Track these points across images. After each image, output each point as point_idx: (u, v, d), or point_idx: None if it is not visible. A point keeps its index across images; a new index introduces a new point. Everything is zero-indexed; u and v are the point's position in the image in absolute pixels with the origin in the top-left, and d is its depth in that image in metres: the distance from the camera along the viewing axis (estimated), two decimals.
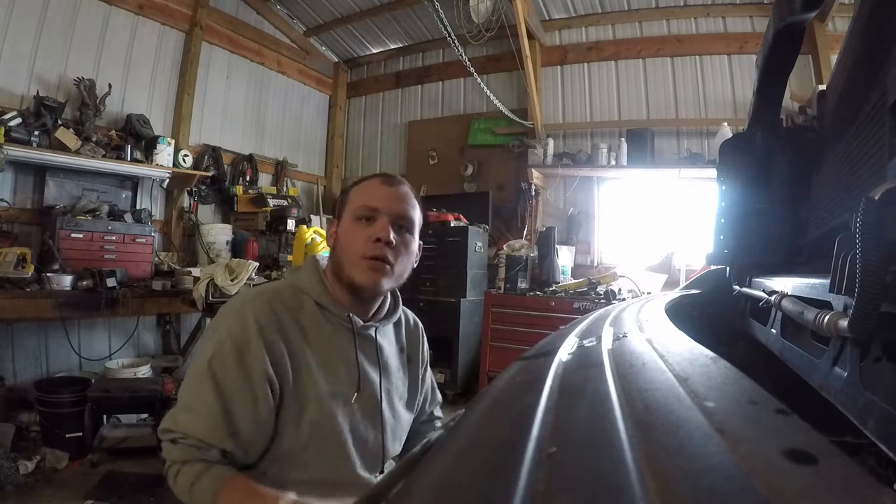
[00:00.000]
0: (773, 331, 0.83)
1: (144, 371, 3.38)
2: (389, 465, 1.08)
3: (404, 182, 1.06)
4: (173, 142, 3.85)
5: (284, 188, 4.95)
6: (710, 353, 0.34)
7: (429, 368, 1.27)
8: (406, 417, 1.15)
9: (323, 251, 2.99)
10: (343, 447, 0.97)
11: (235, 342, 0.90)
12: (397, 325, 1.16)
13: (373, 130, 5.71)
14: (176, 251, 4.02)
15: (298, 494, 0.93)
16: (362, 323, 1.04)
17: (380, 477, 1.04)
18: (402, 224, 1.01)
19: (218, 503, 0.83)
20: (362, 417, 1.01)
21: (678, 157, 4.03)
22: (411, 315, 1.23)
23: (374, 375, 1.05)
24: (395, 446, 1.09)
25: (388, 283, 1.01)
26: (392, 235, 0.98)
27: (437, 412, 1.31)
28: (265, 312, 0.94)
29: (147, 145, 3.70)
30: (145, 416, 3.00)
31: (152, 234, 3.61)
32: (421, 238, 1.08)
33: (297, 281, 1.03)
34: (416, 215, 1.05)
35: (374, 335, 1.06)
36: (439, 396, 1.31)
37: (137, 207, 3.76)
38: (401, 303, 1.15)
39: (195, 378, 0.90)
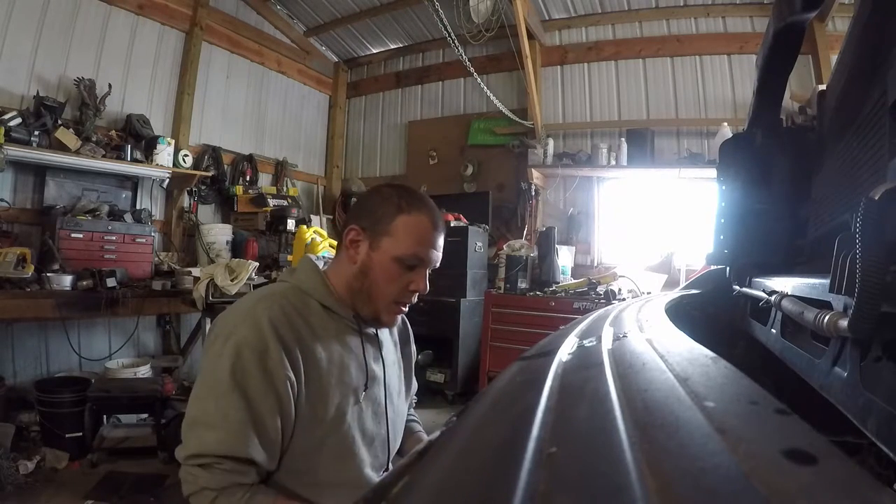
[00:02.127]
0: (773, 331, 0.83)
1: (144, 371, 3.38)
2: (393, 463, 1.09)
3: (444, 221, 1.05)
4: (173, 142, 3.85)
5: (284, 188, 4.95)
6: (710, 353, 0.34)
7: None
8: (404, 411, 1.18)
9: (323, 251, 2.99)
10: (352, 446, 0.98)
11: (253, 348, 0.87)
12: None
13: (373, 130, 5.71)
14: (176, 251, 4.02)
15: (310, 496, 0.93)
16: (365, 322, 1.05)
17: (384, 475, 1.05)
18: (431, 268, 1.03)
19: None
20: (369, 415, 1.02)
21: (678, 157, 4.03)
22: None
23: (378, 373, 1.06)
24: (397, 442, 1.11)
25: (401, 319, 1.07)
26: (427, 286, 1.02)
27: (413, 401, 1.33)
28: (277, 314, 0.92)
29: (147, 145, 3.70)
30: (145, 416, 3.00)
31: (152, 234, 3.61)
32: None
33: (298, 283, 1.02)
34: None
35: (376, 333, 1.08)
36: (415, 384, 1.32)
37: (137, 207, 3.76)
38: None
39: (216, 391, 0.86)
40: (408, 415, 1.28)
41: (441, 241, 1.02)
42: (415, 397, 1.34)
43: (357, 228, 1.00)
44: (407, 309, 1.05)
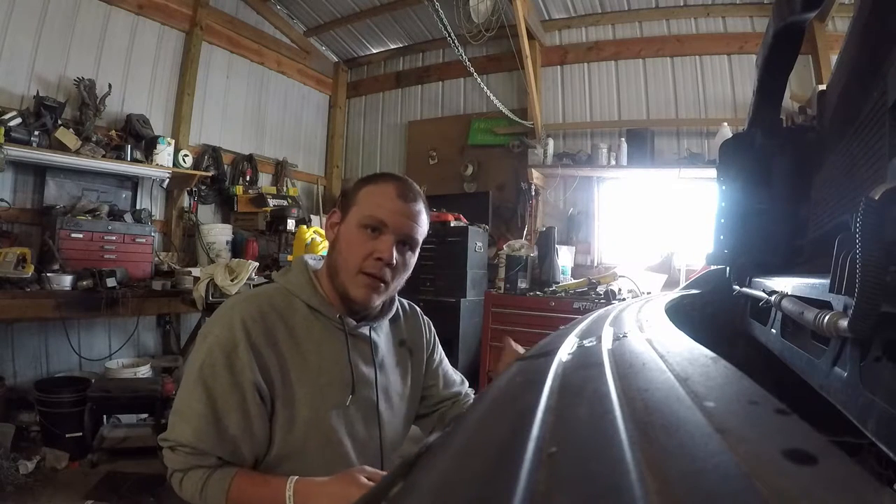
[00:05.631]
0: (773, 331, 0.83)
1: (144, 371, 3.38)
2: (389, 465, 1.08)
3: (419, 196, 1.01)
4: (173, 142, 3.85)
5: (284, 188, 4.95)
6: (710, 353, 0.34)
7: (439, 351, 1.23)
8: (407, 414, 1.14)
9: (323, 251, 2.99)
10: (340, 449, 0.97)
11: (223, 347, 0.90)
12: (394, 318, 1.15)
13: (373, 130, 5.71)
14: (176, 251, 4.02)
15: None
16: (355, 323, 1.02)
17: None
18: (407, 243, 0.99)
19: (230, 498, 0.86)
20: (359, 418, 1.01)
21: (678, 157, 4.03)
22: (406, 303, 1.21)
23: (369, 375, 1.04)
24: (394, 445, 1.09)
25: (380, 299, 1.01)
26: (395, 256, 0.95)
27: (466, 388, 1.26)
28: (252, 316, 0.93)
29: (147, 145, 3.70)
30: (145, 416, 3.00)
31: (152, 234, 3.61)
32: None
33: (286, 283, 1.02)
34: (423, 233, 1.01)
35: (368, 334, 1.05)
36: (458, 376, 1.25)
37: (137, 207, 3.76)
38: (396, 299, 1.13)
39: (187, 386, 0.91)
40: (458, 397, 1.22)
41: (412, 211, 0.98)
42: (469, 389, 1.25)
43: (336, 210, 1.04)
44: (384, 287, 0.98)
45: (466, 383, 1.27)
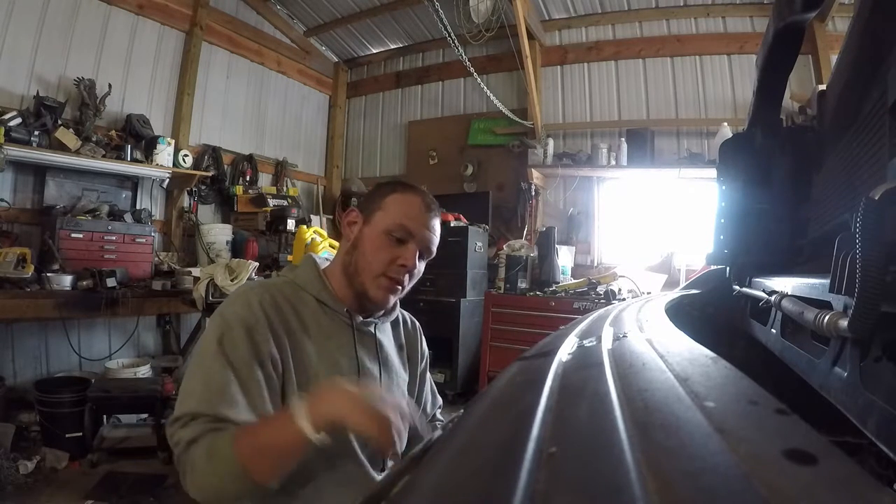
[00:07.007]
0: (773, 331, 0.83)
1: (144, 371, 3.38)
2: (390, 463, 1.08)
3: (439, 210, 1.07)
4: (173, 142, 3.85)
5: (284, 188, 4.95)
6: (710, 353, 0.34)
7: (428, 370, 1.27)
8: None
9: (323, 251, 2.99)
10: (345, 442, 0.97)
11: (244, 322, 0.90)
12: (395, 324, 1.18)
13: (373, 130, 5.71)
14: (176, 251, 4.02)
15: (302, 493, 0.93)
16: (361, 319, 1.05)
17: (382, 474, 1.04)
18: (425, 253, 1.03)
19: (238, 451, 0.77)
20: None
21: (678, 157, 4.03)
22: (409, 316, 1.24)
23: (374, 370, 1.05)
24: (398, 444, 1.10)
25: (393, 300, 1.06)
26: (416, 265, 1.01)
27: (439, 415, 1.31)
28: (268, 300, 0.95)
29: (147, 145, 3.70)
30: (145, 416, 3.00)
31: (152, 234, 3.61)
32: None
33: (295, 278, 1.04)
34: (437, 244, 1.07)
35: (373, 331, 1.08)
36: (440, 399, 1.31)
37: (137, 207, 3.76)
38: (398, 303, 1.15)
39: (202, 362, 0.88)
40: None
41: (434, 225, 1.03)
42: (440, 418, 1.30)
43: (356, 210, 1.06)
44: (400, 290, 1.03)
45: (441, 411, 1.31)
